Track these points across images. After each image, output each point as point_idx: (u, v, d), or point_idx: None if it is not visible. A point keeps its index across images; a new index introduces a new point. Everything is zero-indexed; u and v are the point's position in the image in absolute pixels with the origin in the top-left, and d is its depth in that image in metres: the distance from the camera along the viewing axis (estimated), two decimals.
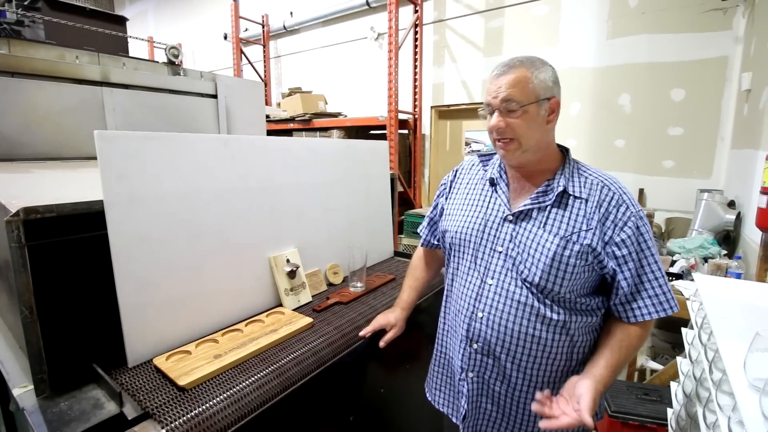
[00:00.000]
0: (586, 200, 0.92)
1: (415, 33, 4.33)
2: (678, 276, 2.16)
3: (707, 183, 3.10)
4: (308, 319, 1.19)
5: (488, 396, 1.03)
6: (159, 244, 1.01)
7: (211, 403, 0.84)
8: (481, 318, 0.99)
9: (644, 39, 3.25)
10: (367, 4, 4.72)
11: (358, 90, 5.17)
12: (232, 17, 5.62)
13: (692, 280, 1.83)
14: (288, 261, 1.34)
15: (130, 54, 2.81)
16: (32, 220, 0.82)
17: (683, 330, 1.34)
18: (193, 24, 7.16)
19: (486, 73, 3.99)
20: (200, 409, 0.82)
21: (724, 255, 2.40)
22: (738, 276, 2.08)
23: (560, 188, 0.93)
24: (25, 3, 2.42)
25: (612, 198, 0.91)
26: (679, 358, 1.36)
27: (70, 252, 0.91)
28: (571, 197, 0.93)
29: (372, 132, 4.83)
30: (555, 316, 0.93)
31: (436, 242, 1.22)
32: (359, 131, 4.74)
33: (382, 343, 1.16)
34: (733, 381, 0.75)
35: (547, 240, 0.92)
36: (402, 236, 4.07)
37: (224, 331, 1.12)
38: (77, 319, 0.94)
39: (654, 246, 0.93)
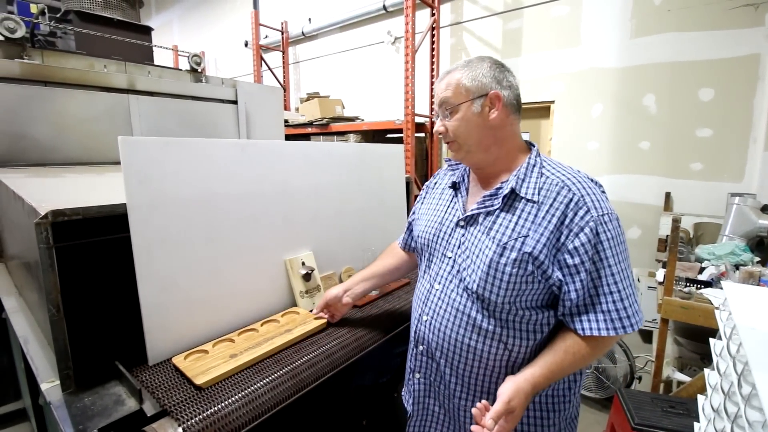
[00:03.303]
0: (540, 203, 0.85)
1: (432, 36, 4.32)
2: (707, 284, 2.07)
3: (738, 186, 2.96)
4: (322, 320, 1.20)
5: (435, 398, 1.02)
6: (178, 246, 1.04)
7: (226, 402, 0.86)
8: (426, 321, 0.98)
9: (670, 37, 3.15)
10: (384, 8, 4.74)
11: (375, 94, 5.19)
12: (253, 25, 5.75)
13: (722, 288, 1.75)
14: (303, 264, 1.35)
15: (155, 62, 2.92)
16: (60, 222, 0.86)
17: (711, 341, 1.28)
18: (215, 32, 7.37)
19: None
20: (215, 408, 0.84)
21: (757, 262, 2.29)
22: None
23: (507, 191, 0.88)
24: (58, 15, 2.55)
25: (571, 200, 0.82)
26: (707, 370, 1.29)
27: (95, 253, 0.95)
28: (523, 200, 0.87)
29: (389, 135, 4.84)
30: (491, 328, 0.88)
31: (413, 244, 1.18)
32: (376, 135, 4.75)
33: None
34: (763, 396, 0.71)
35: (487, 246, 0.87)
36: None
37: (240, 330, 1.14)
38: (101, 318, 0.97)
39: (621, 254, 0.83)
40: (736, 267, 2.21)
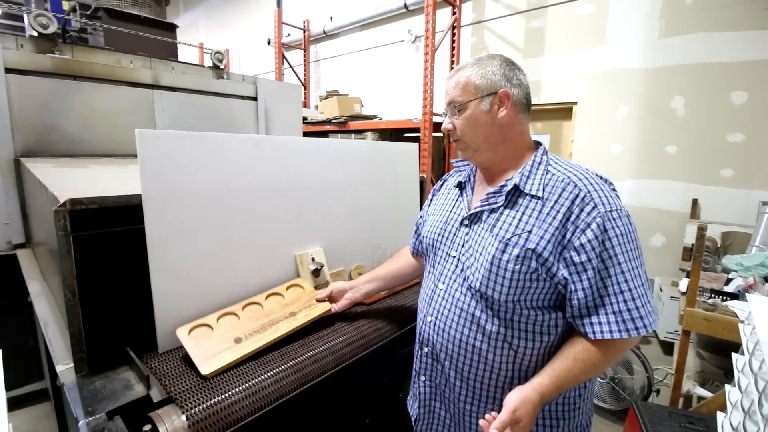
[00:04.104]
0: (545, 199, 0.82)
1: (453, 35, 4.28)
2: (733, 296, 1.98)
3: None
4: (326, 305, 1.20)
5: (441, 401, 1.00)
6: (191, 238, 1.06)
7: (229, 393, 0.87)
8: (430, 322, 0.97)
9: (701, 38, 3.02)
10: (405, 6, 4.73)
11: (394, 93, 5.19)
12: (276, 23, 5.83)
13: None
14: (313, 259, 1.36)
15: (180, 59, 2.99)
16: (78, 211, 0.89)
17: (733, 356, 1.22)
18: (239, 31, 7.50)
19: (526, 75, 3.87)
20: (219, 398, 0.85)
21: None
22: None
23: (510, 186, 0.86)
24: (88, 12, 2.65)
25: (577, 196, 0.80)
26: (728, 387, 1.24)
27: (111, 243, 0.98)
28: (527, 197, 0.85)
29: (406, 135, 4.82)
30: (495, 328, 0.85)
31: (420, 247, 1.18)
32: (393, 134, 4.75)
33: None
34: None
35: (489, 244, 0.86)
36: None
37: (245, 303, 1.13)
38: (115, 305, 1.00)
39: (631, 251, 0.79)
40: (766, 279, 2.10)
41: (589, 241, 0.78)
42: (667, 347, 3.02)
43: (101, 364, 0.96)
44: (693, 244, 1.97)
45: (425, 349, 1.00)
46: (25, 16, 2.46)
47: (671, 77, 3.18)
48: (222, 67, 2.89)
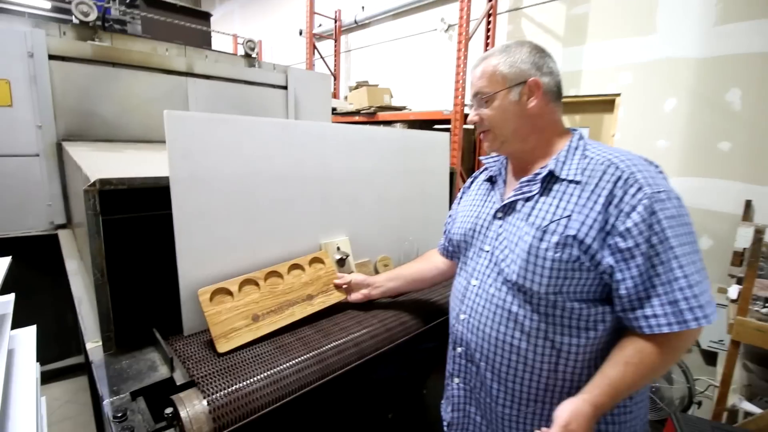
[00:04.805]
0: (584, 183, 0.76)
1: (488, 23, 4.13)
2: None
3: None
4: (342, 294, 1.21)
5: (476, 405, 0.94)
6: (217, 222, 1.05)
7: (251, 380, 0.85)
8: (463, 320, 0.92)
9: (762, 25, 2.76)
10: None
11: (424, 84, 5.09)
12: (308, 13, 5.83)
13: None
14: (338, 249, 1.33)
15: (214, 48, 3.03)
16: (108, 192, 0.89)
17: None
18: (272, 21, 7.58)
19: (565, 65, 3.68)
20: (240, 385, 0.84)
21: None
22: None
23: (545, 173, 0.81)
24: (127, 1, 2.72)
25: (619, 178, 0.73)
26: None
27: (141, 227, 0.99)
28: (564, 182, 0.79)
29: (436, 126, 4.72)
30: (534, 324, 0.79)
31: (450, 247, 1.12)
32: (423, 125, 4.65)
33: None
34: None
35: (526, 233, 0.80)
36: None
37: (267, 272, 1.12)
38: (143, 287, 1.01)
39: (685, 235, 0.71)
40: None
41: (635, 224, 0.71)
42: (709, 357, 2.82)
43: (128, 344, 0.97)
44: (745, 248, 1.80)
45: (459, 349, 0.95)
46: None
47: (727, 68, 2.93)
48: (254, 55, 2.91)
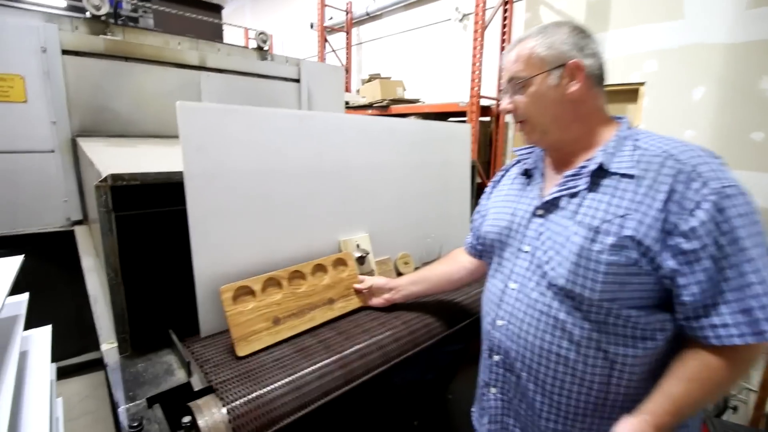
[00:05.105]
0: (639, 177, 0.69)
1: (504, 11, 4.00)
2: None
3: None
4: (358, 303, 1.17)
5: (515, 418, 0.86)
6: (234, 218, 1.00)
7: (272, 386, 0.81)
8: (501, 327, 0.84)
9: None
10: None
11: (438, 76, 4.98)
12: (319, 6, 5.76)
13: None
14: (358, 246, 1.28)
15: (225, 42, 2.99)
16: (121, 188, 0.85)
17: None
18: (283, 15, 7.53)
19: None
20: (261, 392, 0.79)
21: None
22: None
23: (594, 167, 0.73)
24: None
25: (680, 171, 0.66)
26: None
27: (156, 224, 0.95)
28: (616, 176, 0.72)
29: (451, 119, 4.62)
30: (585, 333, 0.72)
31: (479, 246, 1.04)
32: (437, 118, 4.55)
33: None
34: None
35: (574, 233, 0.72)
36: None
37: (290, 272, 1.07)
38: (158, 286, 0.97)
39: (757, 236, 0.64)
40: None
41: (702, 223, 0.64)
42: None
43: (144, 346, 0.94)
44: None
45: (495, 358, 0.88)
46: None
47: (761, 53, 2.77)
48: (266, 48, 2.85)
